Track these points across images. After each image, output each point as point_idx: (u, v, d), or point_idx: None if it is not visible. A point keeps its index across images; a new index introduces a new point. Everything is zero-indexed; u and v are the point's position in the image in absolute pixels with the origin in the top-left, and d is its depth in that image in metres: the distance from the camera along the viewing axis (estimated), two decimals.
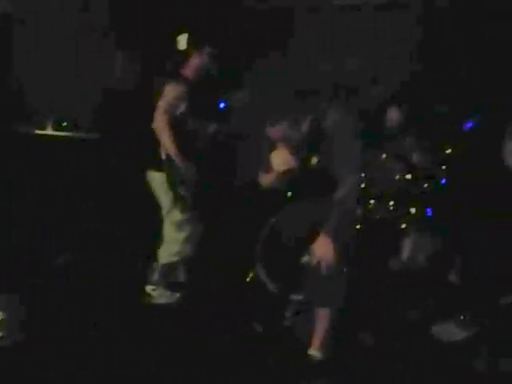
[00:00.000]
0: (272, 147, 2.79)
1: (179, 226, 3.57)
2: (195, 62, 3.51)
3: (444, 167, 3.84)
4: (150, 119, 3.48)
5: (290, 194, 3.02)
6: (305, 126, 2.67)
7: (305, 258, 2.87)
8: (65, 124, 4.97)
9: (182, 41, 3.51)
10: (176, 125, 3.41)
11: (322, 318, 2.85)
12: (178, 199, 3.48)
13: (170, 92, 3.40)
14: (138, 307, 3.55)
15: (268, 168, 2.85)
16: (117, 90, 4.91)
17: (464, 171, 3.87)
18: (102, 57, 4.91)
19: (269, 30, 4.80)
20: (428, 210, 3.90)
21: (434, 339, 3.30)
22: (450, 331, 3.35)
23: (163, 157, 3.45)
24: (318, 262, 2.68)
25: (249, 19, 4.84)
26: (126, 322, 3.31)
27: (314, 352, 2.86)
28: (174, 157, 3.41)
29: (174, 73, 3.53)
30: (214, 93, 3.91)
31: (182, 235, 3.58)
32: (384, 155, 3.91)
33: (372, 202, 3.81)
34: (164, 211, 3.60)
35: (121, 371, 2.75)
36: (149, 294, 3.66)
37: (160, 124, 3.39)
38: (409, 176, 3.90)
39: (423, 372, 2.92)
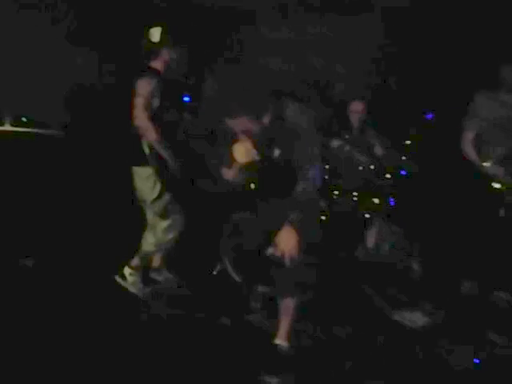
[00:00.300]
0: (234, 140, 2.78)
1: (162, 216, 3.62)
2: (166, 56, 3.54)
3: (404, 158, 3.92)
4: (122, 115, 3.51)
5: (252, 185, 2.99)
6: (266, 119, 2.68)
7: (269, 250, 2.89)
8: (24, 120, 4.85)
9: (155, 34, 3.51)
10: (155, 119, 3.46)
11: (287, 309, 2.86)
12: (165, 190, 3.54)
13: (145, 87, 3.44)
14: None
15: (230, 162, 2.85)
16: (80, 85, 4.81)
17: (424, 162, 3.96)
18: (65, 51, 4.79)
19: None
20: (390, 200, 3.97)
21: (398, 326, 3.35)
22: (413, 318, 3.42)
23: (147, 151, 3.49)
24: (282, 254, 2.68)
25: (216, 18, 4.81)
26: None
27: (281, 342, 2.87)
28: (160, 150, 3.46)
29: (145, 66, 3.55)
30: (184, 86, 3.94)
31: (164, 225, 3.63)
32: (347, 147, 3.97)
33: (336, 192, 3.87)
34: (146, 204, 3.64)
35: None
36: (124, 276, 3.66)
37: (142, 121, 3.43)
38: (372, 167, 3.97)
39: (389, 358, 2.97)
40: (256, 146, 2.76)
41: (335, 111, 4.25)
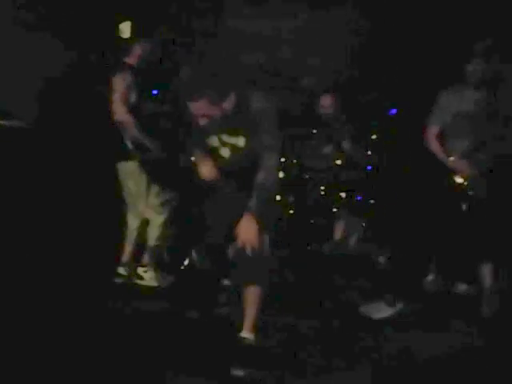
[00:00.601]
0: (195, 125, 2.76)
1: (158, 209, 3.66)
2: (138, 50, 3.57)
3: (370, 153, 3.97)
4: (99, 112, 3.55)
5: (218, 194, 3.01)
6: (228, 104, 2.65)
7: (230, 249, 2.92)
8: None
9: (125, 29, 3.57)
10: (134, 112, 3.51)
11: (251, 300, 2.86)
12: (153, 183, 3.59)
13: (120, 83, 3.48)
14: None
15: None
16: (52, 79, 4.73)
17: (389, 156, 4.02)
18: (37, 44, 4.70)
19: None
20: (357, 194, 4.02)
21: (364, 318, 3.41)
22: (379, 309, 3.48)
23: (130, 146, 3.53)
24: (243, 244, 2.67)
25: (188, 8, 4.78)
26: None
27: (246, 335, 2.87)
28: (144, 142, 3.51)
29: (118, 62, 3.59)
30: (160, 78, 3.95)
31: (162, 218, 3.67)
32: (314, 142, 4.00)
33: (304, 187, 3.90)
34: (134, 200, 3.66)
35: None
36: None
37: (122, 116, 3.49)
38: (339, 162, 4.02)
39: (355, 350, 3.01)
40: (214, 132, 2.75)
41: (304, 104, 4.27)
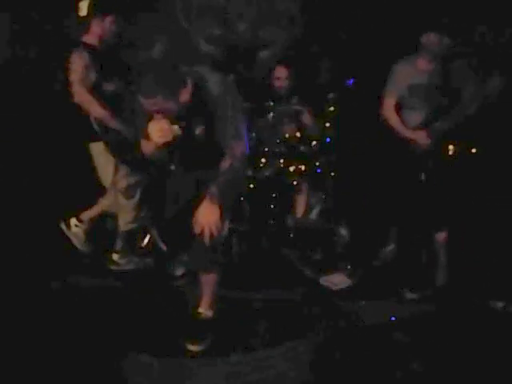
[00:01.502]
0: (149, 118, 2.62)
1: (127, 192, 3.58)
2: (97, 29, 3.48)
3: (328, 125, 3.96)
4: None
5: (172, 167, 2.93)
6: (184, 96, 2.54)
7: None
8: None
9: (83, 7, 3.45)
10: (95, 92, 3.42)
11: (208, 283, 2.85)
12: (121, 164, 3.51)
13: (77, 63, 3.39)
14: None
15: (147, 136, 2.69)
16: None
17: (346, 128, 4.03)
18: None
19: None
20: (317, 167, 4.03)
21: (324, 289, 3.46)
22: (339, 280, 3.54)
23: (96, 127, 3.45)
24: (201, 230, 2.56)
25: None
26: None
27: (204, 310, 2.88)
28: (108, 122, 3.42)
29: (77, 41, 3.49)
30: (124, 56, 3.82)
31: (133, 201, 3.59)
32: (272, 114, 3.97)
33: (262, 160, 3.89)
34: (107, 181, 3.60)
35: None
36: (116, 262, 3.66)
37: (82, 97, 3.40)
38: (297, 134, 4.01)
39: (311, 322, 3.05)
40: (174, 123, 2.62)
41: (259, 78, 4.23)
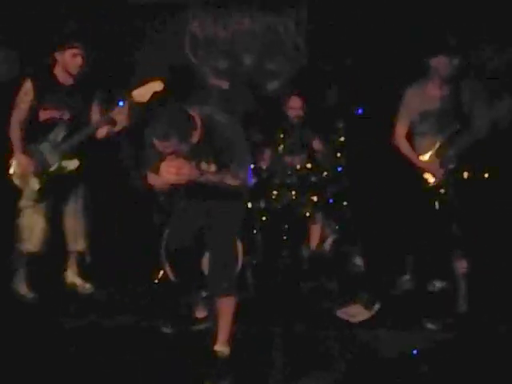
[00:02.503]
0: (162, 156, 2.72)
1: (25, 213, 3.65)
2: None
3: (339, 154, 3.95)
4: None
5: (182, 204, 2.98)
6: (194, 137, 2.65)
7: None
8: None
9: None
10: (29, 118, 3.57)
11: (225, 312, 2.85)
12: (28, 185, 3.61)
13: (22, 89, 3.57)
14: None
15: (156, 169, 2.76)
16: None
17: (358, 157, 4.01)
18: None
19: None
20: (329, 197, 4.01)
21: (342, 322, 3.38)
22: (357, 312, 3.46)
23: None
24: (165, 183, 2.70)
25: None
26: None
27: (221, 348, 2.85)
28: (14, 149, 3.60)
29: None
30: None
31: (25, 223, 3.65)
32: (282, 146, 3.97)
33: (274, 192, 3.87)
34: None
35: None
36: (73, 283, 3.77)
37: (12, 119, 3.59)
38: (309, 165, 3.99)
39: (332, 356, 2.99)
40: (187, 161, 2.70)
41: (269, 109, 4.26)
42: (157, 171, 2.74)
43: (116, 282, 3.87)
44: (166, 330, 3.21)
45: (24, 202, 3.64)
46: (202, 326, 3.22)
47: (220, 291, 2.83)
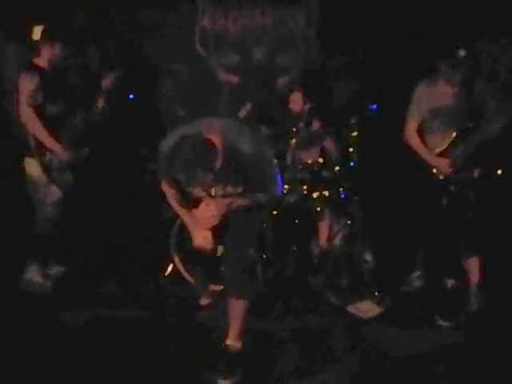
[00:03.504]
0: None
1: (52, 207, 3.67)
2: (47, 54, 3.63)
3: (351, 150, 3.93)
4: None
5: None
6: (217, 163, 2.56)
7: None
8: None
9: (37, 32, 3.63)
10: (39, 113, 3.56)
11: (237, 311, 2.84)
12: (52, 182, 3.63)
13: (25, 84, 3.54)
14: None
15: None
16: None
17: (370, 152, 4.00)
18: None
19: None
20: (341, 192, 3.99)
21: (354, 318, 3.37)
22: (368, 308, 3.45)
23: (32, 145, 3.61)
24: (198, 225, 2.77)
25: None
26: None
27: (232, 342, 2.85)
28: (47, 144, 3.58)
29: (27, 63, 3.65)
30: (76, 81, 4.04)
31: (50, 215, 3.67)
32: (294, 140, 3.95)
33: (285, 187, 3.85)
34: (34, 196, 3.67)
35: None
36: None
37: (27, 117, 3.55)
38: (321, 160, 3.98)
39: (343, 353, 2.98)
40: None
41: (280, 104, 4.24)
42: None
43: (125, 277, 3.85)
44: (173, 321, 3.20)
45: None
46: (206, 314, 3.24)
47: (234, 292, 2.82)
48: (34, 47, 3.65)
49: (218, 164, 2.58)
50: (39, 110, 3.55)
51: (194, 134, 2.58)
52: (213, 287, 3.21)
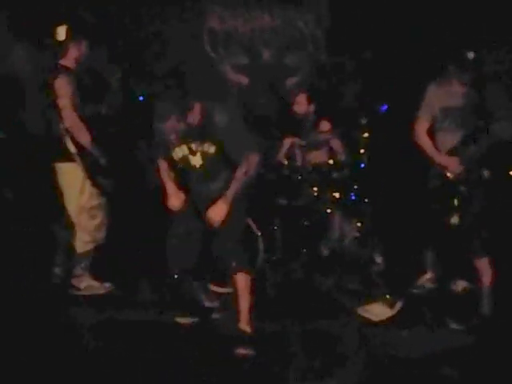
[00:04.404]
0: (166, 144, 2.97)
1: (90, 213, 3.64)
2: (74, 53, 3.59)
3: (362, 151, 3.92)
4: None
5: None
6: (193, 118, 2.82)
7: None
8: None
9: (61, 32, 3.58)
10: (80, 116, 3.52)
11: (242, 290, 2.94)
12: (95, 187, 3.60)
13: (65, 87, 3.48)
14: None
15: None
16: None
17: (380, 154, 3.98)
18: None
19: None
20: (351, 194, 3.98)
21: (364, 320, 3.35)
22: (379, 311, 3.43)
23: (73, 150, 3.53)
24: (211, 225, 2.92)
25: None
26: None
27: (244, 326, 2.95)
28: (92, 149, 3.53)
29: (54, 64, 3.60)
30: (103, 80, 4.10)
31: (95, 222, 3.65)
32: (304, 142, 3.95)
33: (296, 188, 3.85)
34: (70, 202, 3.63)
35: None
36: (76, 287, 3.68)
37: (73, 123, 3.49)
38: (330, 161, 3.97)
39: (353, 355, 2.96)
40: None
41: (286, 106, 4.24)
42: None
43: (134, 278, 3.85)
44: (183, 320, 3.22)
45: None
46: (214, 315, 3.28)
47: (231, 269, 2.96)
48: (59, 48, 3.59)
49: (193, 119, 2.83)
50: (79, 113, 3.50)
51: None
52: (215, 288, 3.27)
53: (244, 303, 2.96)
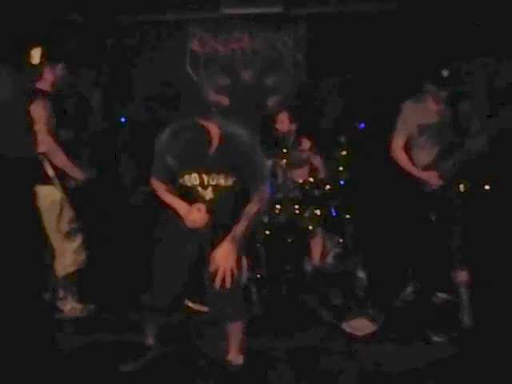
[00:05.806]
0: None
1: (69, 236, 3.62)
2: (50, 76, 3.55)
3: (341, 168, 3.99)
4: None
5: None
6: (211, 149, 2.57)
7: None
8: None
9: (36, 55, 3.54)
10: (55, 140, 3.49)
11: (235, 331, 2.83)
12: (69, 209, 3.57)
13: (39, 112, 3.44)
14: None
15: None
16: None
17: (359, 170, 4.05)
18: None
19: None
20: (332, 210, 4.03)
21: (348, 335, 3.38)
22: (362, 326, 3.46)
23: (51, 174, 3.51)
24: (216, 270, 2.59)
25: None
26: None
27: (233, 358, 2.86)
28: (70, 172, 3.51)
29: (30, 89, 3.56)
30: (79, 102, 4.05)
31: (74, 245, 3.64)
32: (284, 161, 4.00)
33: (277, 206, 3.89)
34: (49, 225, 3.61)
35: None
36: (61, 310, 3.66)
37: (49, 147, 3.46)
38: (311, 179, 4.02)
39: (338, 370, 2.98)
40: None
41: (268, 126, 4.30)
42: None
43: (116, 300, 3.83)
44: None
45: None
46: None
47: (227, 318, 2.79)
48: (34, 71, 3.53)
49: (213, 150, 2.57)
50: (54, 137, 3.45)
51: (191, 122, 2.59)
52: (195, 306, 3.21)
53: (235, 341, 2.84)
